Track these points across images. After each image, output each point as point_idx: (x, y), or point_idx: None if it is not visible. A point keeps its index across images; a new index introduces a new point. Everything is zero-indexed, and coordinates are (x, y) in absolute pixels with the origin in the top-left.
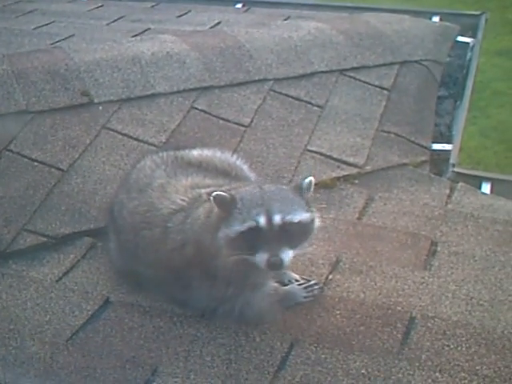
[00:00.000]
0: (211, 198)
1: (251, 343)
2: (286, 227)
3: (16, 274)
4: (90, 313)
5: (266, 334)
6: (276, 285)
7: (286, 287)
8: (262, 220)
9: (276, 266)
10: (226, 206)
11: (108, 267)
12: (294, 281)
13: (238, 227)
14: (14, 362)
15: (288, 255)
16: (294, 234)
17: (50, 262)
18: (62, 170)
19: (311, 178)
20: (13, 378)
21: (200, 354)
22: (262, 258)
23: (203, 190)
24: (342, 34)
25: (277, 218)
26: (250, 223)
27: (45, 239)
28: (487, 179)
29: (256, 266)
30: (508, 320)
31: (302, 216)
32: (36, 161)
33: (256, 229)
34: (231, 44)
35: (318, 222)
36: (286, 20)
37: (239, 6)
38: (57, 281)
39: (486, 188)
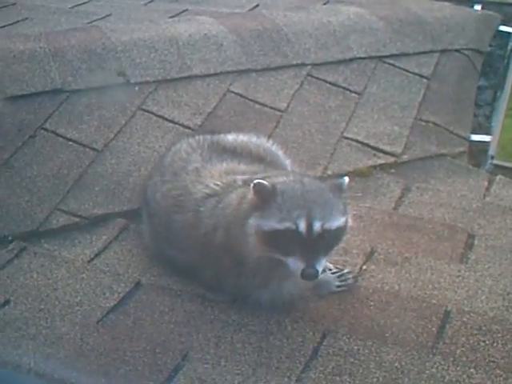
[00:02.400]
0: (251, 184)
1: (283, 331)
2: (325, 234)
3: (48, 253)
4: (120, 295)
5: (298, 322)
6: None
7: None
8: (302, 225)
9: (311, 277)
10: (265, 196)
11: (140, 249)
12: (327, 269)
13: (275, 224)
14: (44, 342)
15: (322, 264)
16: (330, 240)
17: (82, 242)
18: (96, 150)
19: (347, 178)
20: (43, 358)
21: (231, 340)
22: (296, 265)
23: (238, 177)
24: (382, 20)
25: (317, 226)
26: (289, 225)
27: (77, 219)
28: None
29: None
30: None
31: (339, 221)
32: (71, 140)
33: (294, 232)
34: (269, 27)
35: (350, 222)
36: (325, 4)
37: None
38: (88, 262)
39: None
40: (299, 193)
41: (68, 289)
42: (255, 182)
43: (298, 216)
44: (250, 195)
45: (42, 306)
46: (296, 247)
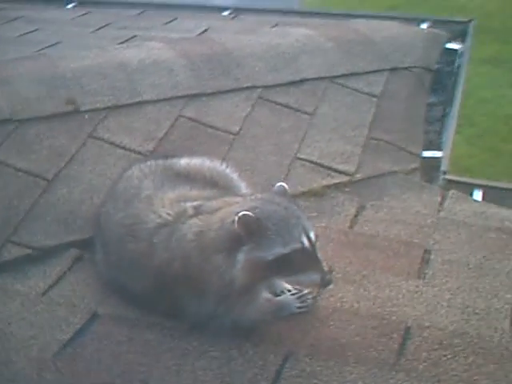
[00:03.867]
0: (235, 218)
1: (244, 356)
2: (316, 241)
3: (0, 287)
4: (77, 327)
5: (259, 346)
6: (269, 296)
7: (278, 298)
8: (305, 241)
9: (330, 282)
10: (252, 227)
11: (95, 279)
12: (286, 291)
13: (280, 250)
14: (0, 377)
15: None
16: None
17: (36, 274)
18: (47, 180)
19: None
20: None
21: (192, 368)
22: (311, 278)
23: (188, 204)
24: (331, 41)
25: (313, 235)
26: (295, 245)
27: (30, 251)
28: (479, 186)
29: (271, 286)
30: (505, 328)
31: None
32: (21, 170)
33: (300, 250)
34: (219, 51)
35: None
36: (274, 27)
37: (226, 13)
38: (43, 294)
39: (478, 195)
40: (283, 213)
41: (22, 322)
42: (240, 215)
43: (299, 234)
44: (232, 229)
45: None
46: (304, 263)
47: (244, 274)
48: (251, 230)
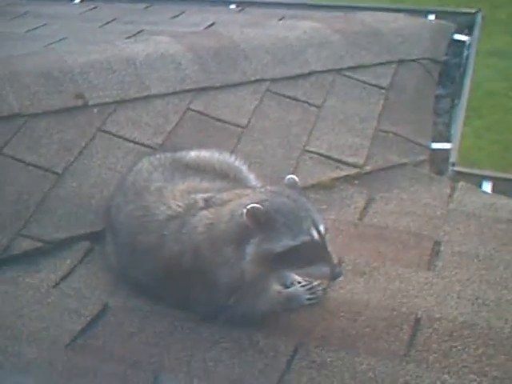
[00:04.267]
0: (244, 211)
1: (255, 347)
2: (325, 233)
3: (12, 280)
4: (88, 318)
5: (270, 337)
6: (279, 288)
7: (288, 290)
8: (315, 233)
9: (340, 274)
10: (261, 220)
11: (106, 271)
12: (296, 283)
13: (289, 242)
14: (12, 368)
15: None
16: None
17: (47, 267)
18: (57, 174)
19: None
20: None
21: (203, 358)
22: (321, 271)
23: (199, 196)
24: (338, 33)
25: (322, 228)
26: (304, 238)
27: (41, 244)
28: (488, 178)
29: (281, 278)
30: None
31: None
32: (30, 164)
33: (309, 243)
34: (226, 44)
35: None
36: (280, 20)
37: (233, 6)
38: (54, 286)
39: (487, 187)
40: (293, 206)
41: (34, 314)
42: (249, 207)
43: (308, 227)
44: (241, 221)
45: (9, 333)
46: (313, 256)
47: (253, 266)
48: (260, 223)
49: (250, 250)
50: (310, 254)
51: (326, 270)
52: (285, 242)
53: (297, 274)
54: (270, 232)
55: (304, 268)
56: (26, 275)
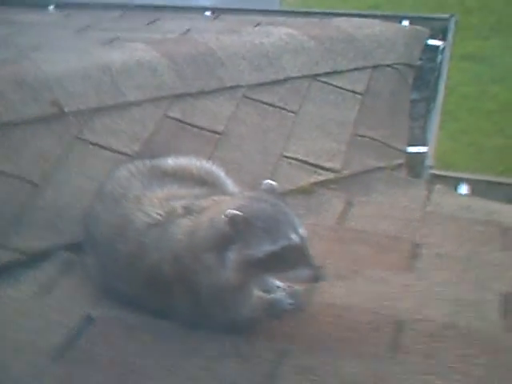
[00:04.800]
0: (223, 217)
1: (239, 354)
2: (306, 237)
3: None
4: (72, 330)
5: (254, 343)
6: (260, 294)
7: (270, 295)
8: (295, 237)
9: (322, 277)
10: (241, 226)
11: (87, 282)
12: (278, 288)
13: (270, 247)
14: None
15: None
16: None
17: (28, 279)
18: (34, 184)
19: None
20: None
21: (189, 367)
22: (303, 274)
23: (178, 203)
24: (314, 40)
25: (302, 231)
26: (284, 242)
27: (20, 256)
28: (464, 180)
29: (263, 283)
30: (495, 319)
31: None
32: (7, 174)
33: (290, 247)
34: (202, 51)
35: None
36: (256, 26)
37: (208, 13)
38: (35, 298)
39: (464, 189)
40: (271, 211)
41: (17, 327)
42: (227, 214)
43: (288, 231)
44: (221, 228)
45: None
46: (295, 260)
47: (235, 272)
48: (240, 229)
49: (231, 256)
50: (291, 258)
51: (308, 272)
52: (265, 248)
53: (279, 278)
54: (249, 238)
55: (286, 272)
56: (7, 287)
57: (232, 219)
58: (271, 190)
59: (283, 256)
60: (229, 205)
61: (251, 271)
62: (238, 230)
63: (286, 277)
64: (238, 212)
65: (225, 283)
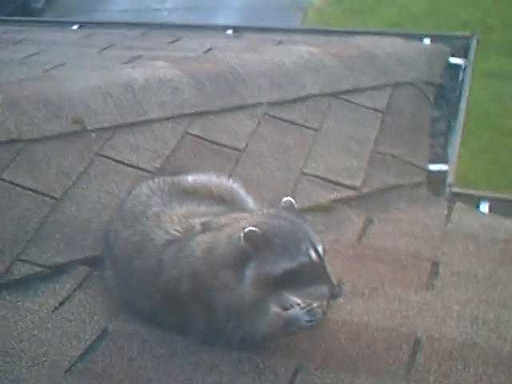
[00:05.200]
0: (241, 234)
1: (255, 370)
2: (324, 254)
3: (11, 304)
4: (88, 343)
5: (270, 360)
6: (278, 310)
7: (287, 312)
8: (313, 254)
9: (339, 294)
10: (258, 243)
11: (105, 296)
12: (295, 305)
13: (288, 264)
14: None
15: None
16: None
17: (46, 292)
18: (55, 199)
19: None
20: None
21: (202, 382)
22: (320, 291)
23: (196, 220)
24: (334, 58)
25: (320, 248)
26: (303, 259)
27: (39, 269)
28: (485, 198)
29: (280, 300)
30: None
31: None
32: (29, 189)
33: (308, 264)
34: (224, 69)
35: None
36: (277, 45)
37: (229, 31)
38: (53, 311)
39: (484, 207)
40: (290, 228)
41: (33, 339)
42: (246, 231)
43: (306, 248)
44: (239, 245)
45: (8, 359)
46: (312, 277)
47: (252, 289)
48: (258, 246)
49: (249, 273)
50: (309, 275)
51: (325, 289)
52: (283, 265)
53: (296, 295)
54: (268, 255)
55: (303, 289)
56: (25, 300)
57: (250, 236)
58: (290, 207)
59: (301, 273)
60: (247, 222)
61: (269, 288)
62: (256, 246)
63: (303, 294)
64: (255, 229)
65: (242, 300)
